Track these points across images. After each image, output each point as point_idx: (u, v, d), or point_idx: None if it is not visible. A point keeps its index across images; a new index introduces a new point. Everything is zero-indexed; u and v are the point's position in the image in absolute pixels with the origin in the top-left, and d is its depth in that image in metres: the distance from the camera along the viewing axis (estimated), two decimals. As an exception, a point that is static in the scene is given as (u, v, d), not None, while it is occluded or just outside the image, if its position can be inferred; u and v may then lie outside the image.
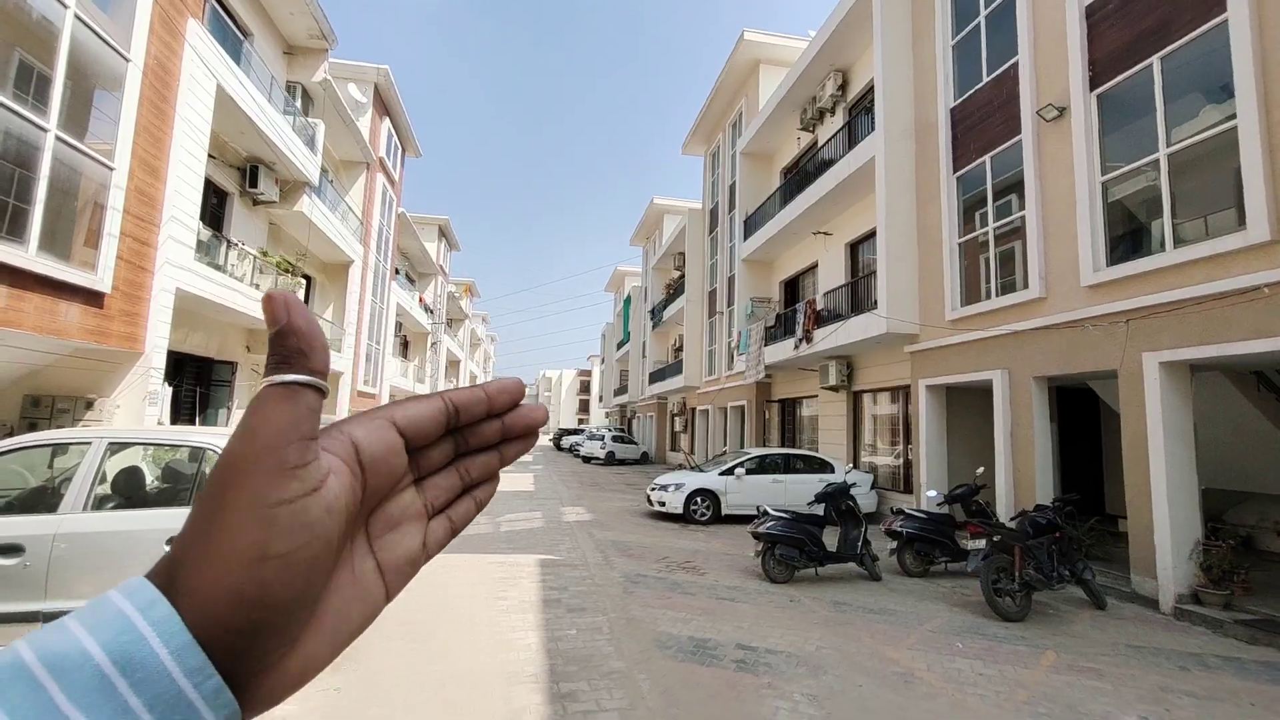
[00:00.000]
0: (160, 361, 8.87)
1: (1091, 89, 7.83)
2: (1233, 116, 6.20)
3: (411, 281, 30.66)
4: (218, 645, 0.27)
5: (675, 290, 27.43)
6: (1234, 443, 8.24)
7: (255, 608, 0.28)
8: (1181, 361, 6.59)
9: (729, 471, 11.80)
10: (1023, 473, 8.40)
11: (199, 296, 9.68)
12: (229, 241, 11.45)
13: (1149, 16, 7.19)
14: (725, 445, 20.13)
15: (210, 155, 10.42)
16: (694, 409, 24.83)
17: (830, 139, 13.98)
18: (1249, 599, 6.22)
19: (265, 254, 12.79)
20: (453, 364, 43.56)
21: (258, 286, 11.87)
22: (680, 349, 26.49)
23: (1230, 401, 7.82)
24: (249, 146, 11.98)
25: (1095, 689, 4.45)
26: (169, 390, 9.35)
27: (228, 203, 12.41)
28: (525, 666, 4.54)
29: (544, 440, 65.51)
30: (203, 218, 10.22)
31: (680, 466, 14.25)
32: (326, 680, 4.17)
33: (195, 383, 11.73)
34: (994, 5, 9.68)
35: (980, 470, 7.93)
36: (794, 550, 7.19)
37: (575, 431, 41.66)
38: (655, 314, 30.52)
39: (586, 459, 29.36)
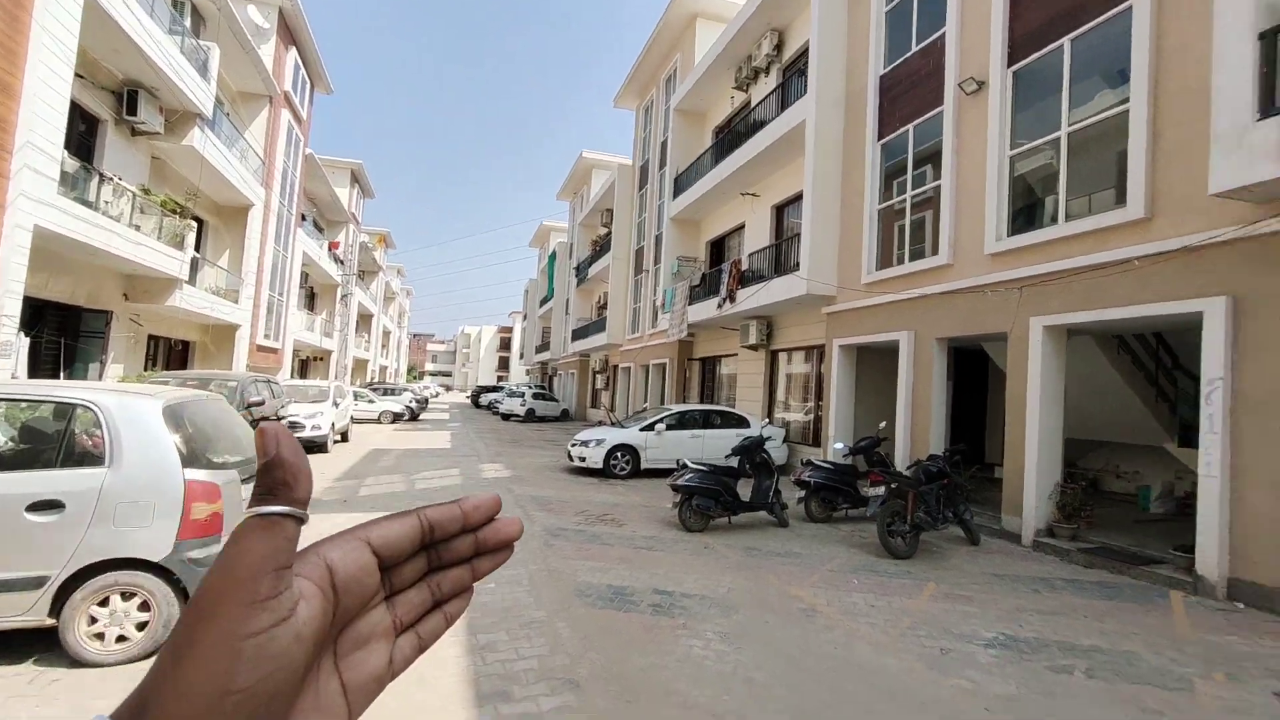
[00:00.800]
0: (14, 309, 7.85)
1: (1009, 65, 8.19)
2: (1126, 100, 6.69)
3: (320, 229, 28.59)
4: None
5: (602, 247, 27.12)
6: (1091, 398, 9.25)
7: None
8: (1062, 326, 7.26)
9: (649, 427, 12.03)
10: (920, 426, 9.09)
11: (64, 236, 8.58)
12: (102, 175, 10.13)
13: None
14: (646, 402, 20.47)
15: (78, 75, 9.10)
16: (616, 366, 25.00)
17: (764, 100, 14.02)
18: (1091, 531, 7.16)
19: (147, 191, 11.45)
20: (364, 318, 41.37)
21: (137, 228, 10.65)
22: (604, 306, 26.40)
23: (1092, 362, 8.74)
24: (126, 68, 10.53)
25: (965, 612, 4.98)
26: (25, 341, 8.33)
27: (100, 131, 10.95)
28: (441, 619, 4.51)
29: (461, 398, 64.19)
30: (69, 146, 8.98)
31: (601, 423, 14.41)
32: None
33: (59, 334, 10.50)
34: (925, -26, 9.87)
35: (883, 424, 8.51)
36: (710, 500, 7.49)
37: (494, 389, 40.95)
38: (580, 271, 30.14)
39: (506, 416, 29.04)
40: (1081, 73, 7.38)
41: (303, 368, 28.48)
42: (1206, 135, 5.63)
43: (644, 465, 11.87)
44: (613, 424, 13.39)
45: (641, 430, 12.03)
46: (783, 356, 13.99)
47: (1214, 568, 5.51)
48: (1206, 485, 5.60)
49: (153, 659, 0.33)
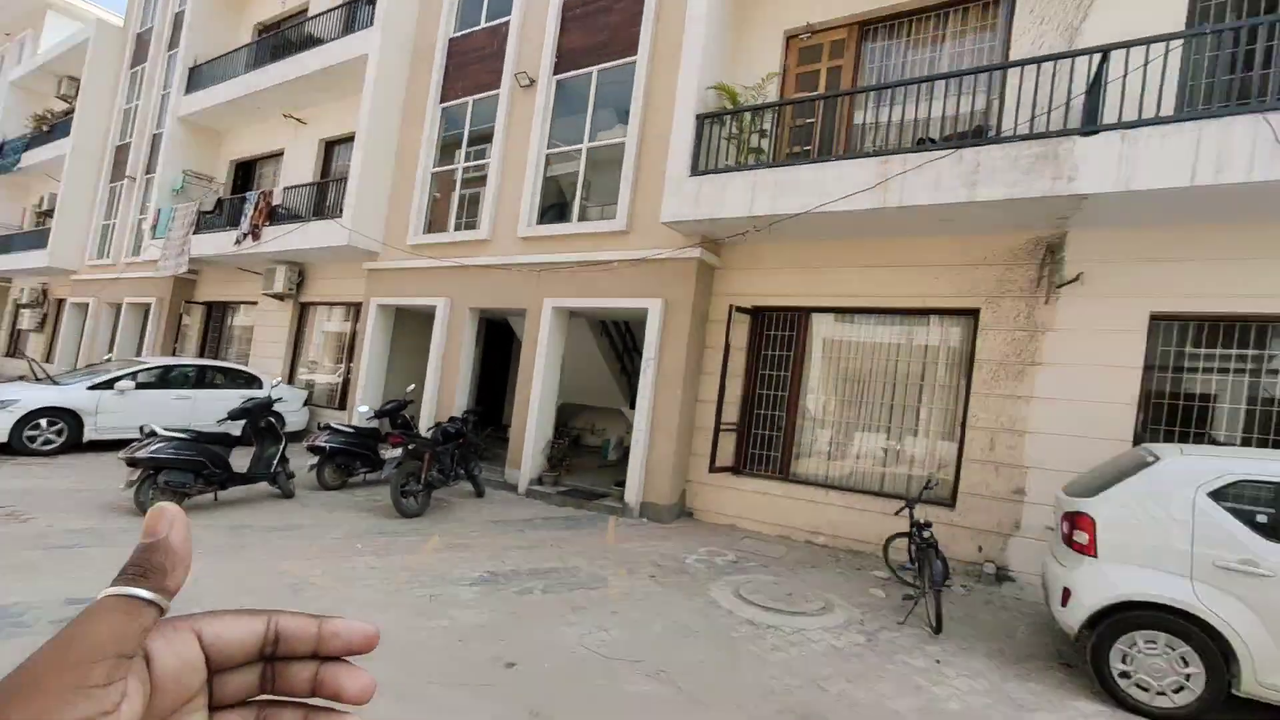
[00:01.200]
0: None
1: (555, 73, 9.17)
2: (625, 134, 8.36)
3: None
4: None
5: (55, 129, 18.90)
6: (581, 370, 11.44)
7: None
8: (566, 307, 8.64)
9: (107, 385, 8.94)
10: (447, 390, 9.46)
11: None
12: None
13: (598, 34, 8.85)
14: (112, 352, 15.28)
15: None
16: (63, 300, 17.93)
17: (326, 13, 12.05)
18: (569, 477, 8.78)
19: None
20: None
21: None
22: (49, 213, 18.56)
23: (585, 340, 10.83)
24: None
25: (461, 558, 5.38)
26: None
27: None
28: None
29: None
30: None
31: (24, 379, 9.98)
32: None
33: None
34: (501, -45, 10.15)
35: (411, 387, 8.48)
36: (188, 475, 5.99)
37: None
38: (7, 153, 20.33)
39: None
40: (603, 100, 8.87)
41: None
42: (661, 179, 7.52)
43: (91, 436, 8.72)
44: (40, 380, 9.43)
45: (92, 389, 8.80)
46: (315, 311, 12.46)
47: (635, 496, 7.48)
48: (638, 437, 7.57)
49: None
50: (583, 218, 8.75)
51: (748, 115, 7.04)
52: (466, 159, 10.10)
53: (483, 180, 9.90)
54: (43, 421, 8.30)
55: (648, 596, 4.84)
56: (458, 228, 9.97)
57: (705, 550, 6.23)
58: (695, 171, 6.96)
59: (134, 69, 17.33)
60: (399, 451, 6.58)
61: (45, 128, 19.51)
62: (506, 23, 9.84)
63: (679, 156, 7.03)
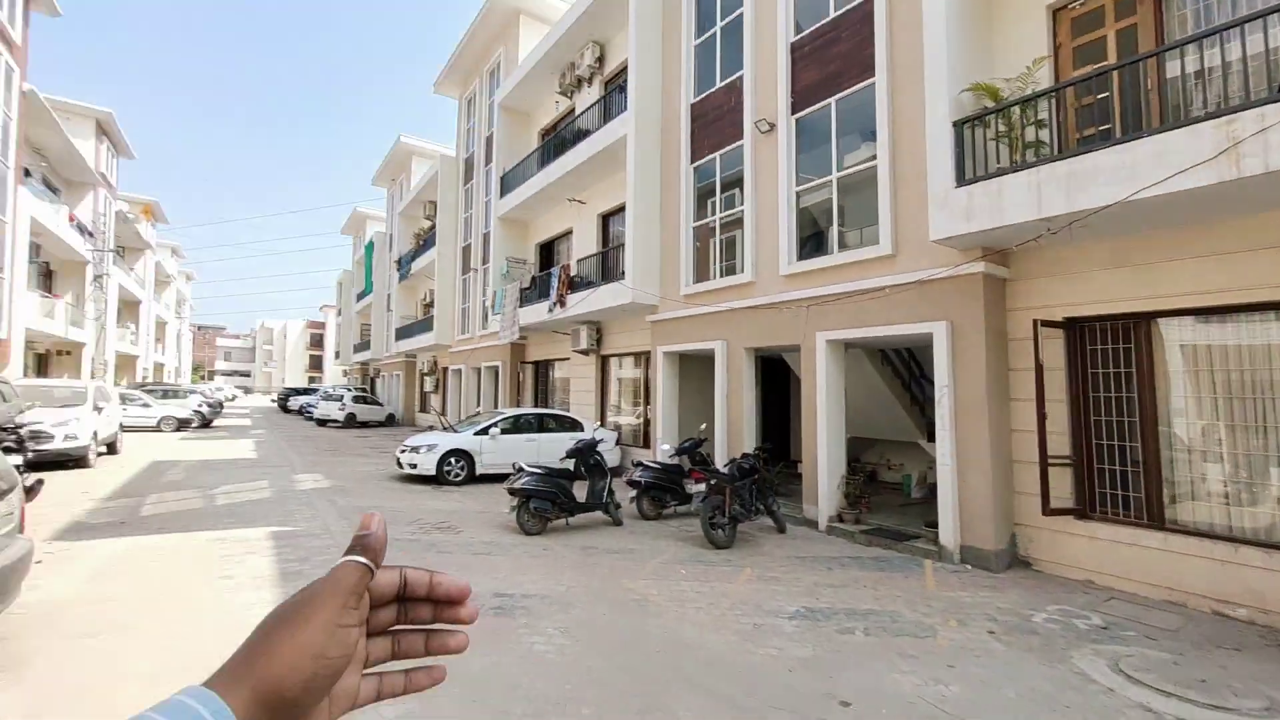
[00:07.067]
0: None
1: (792, 113, 9.55)
2: (875, 156, 8.26)
3: (54, 191, 23.09)
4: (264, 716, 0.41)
5: (426, 241, 25.76)
6: (866, 402, 11.22)
7: (305, 689, 0.43)
8: (839, 340, 8.74)
9: (484, 431, 11.92)
10: (735, 427, 10.25)
11: None
12: None
13: (830, 65, 9.00)
14: (479, 406, 20.01)
15: None
16: (446, 368, 24.00)
17: (588, 109, 14.50)
18: (870, 515, 8.67)
19: None
20: (129, 305, 34.37)
21: None
22: (431, 305, 25.14)
23: (866, 371, 10.63)
24: None
25: (775, 591, 5.88)
26: None
27: None
28: (267, 655, 4.20)
29: (265, 401, 56.30)
30: None
31: (432, 428, 13.84)
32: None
33: None
34: (728, 19, 11.00)
35: (703, 426, 9.46)
36: (547, 503, 7.75)
37: (306, 391, 36.71)
38: (403, 265, 28.30)
39: (321, 422, 26.32)
40: (845, 128, 8.88)
41: (41, 364, 22.97)
42: (924, 195, 7.16)
43: (479, 471, 11.73)
44: (445, 429, 12.96)
45: (476, 434, 11.85)
46: (613, 361, 14.66)
47: (951, 538, 6.92)
48: (943, 472, 7.12)
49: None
50: (842, 247, 8.82)
51: (1016, 109, 6.39)
52: (721, 209, 10.99)
53: (738, 226, 10.64)
54: (452, 459, 11.45)
55: (989, 654, 4.53)
56: (722, 274, 10.86)
57: (1056, 609, 5.51)
58: (962, 181, 6.56)
59: (466, 185, 22.80)
60: (702, 486, 7.45)
61: (421, 242, 26.69)
62: (740, 77, 10.52)
63: (940, 169, 6.72)
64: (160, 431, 20.37)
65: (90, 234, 24.28)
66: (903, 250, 7.85)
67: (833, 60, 8.95)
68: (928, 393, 10.86)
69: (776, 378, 13.80)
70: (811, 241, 9.52)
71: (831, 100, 8.92)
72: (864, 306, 8.23)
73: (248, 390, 79.60)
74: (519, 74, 17.37)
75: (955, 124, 6.64)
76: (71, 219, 22.99)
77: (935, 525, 7.22)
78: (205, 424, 23.55)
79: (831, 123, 8.94)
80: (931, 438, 7.77)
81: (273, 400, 51.33)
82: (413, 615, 0.53)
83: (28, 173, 19.00)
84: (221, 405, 29.93)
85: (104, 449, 13.29)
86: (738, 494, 7.46)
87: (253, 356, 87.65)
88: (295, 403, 35.01)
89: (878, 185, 8.13)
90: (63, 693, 3.58)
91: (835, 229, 8.89)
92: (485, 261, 19.97)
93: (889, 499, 10.23)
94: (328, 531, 7.38)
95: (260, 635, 0.44)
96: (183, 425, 21.24)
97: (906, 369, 11.16)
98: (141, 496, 9.29)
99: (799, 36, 9.52)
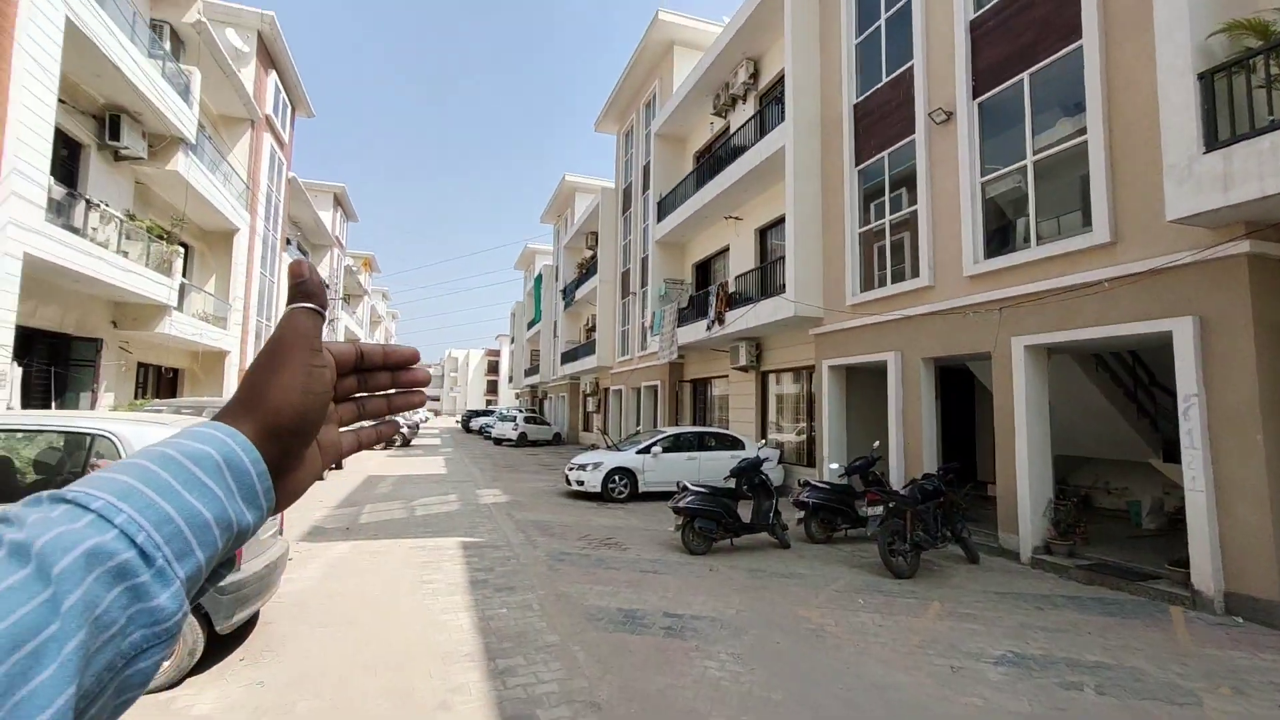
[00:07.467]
0: (6, 338, 7.75)
1: (974, 97, 8.62)
2: (1084, 131, 7.10)
3: (304, 254, 28.40)
4: (266, 454, 0.44)
5: (588, 270, 27.34)
6: (1075, 415, 9.57)
7: (300, 419, 0.47)
8: (1041, 345, 7.56)
9: (646, 450, 12.12)
10: (912, 445, 9.31)
11: (53, 263, 8.51)
12: (88, 201, 10.06)
13: (1021, 37, 8.01)
14: (639, 425, 20.54)
15: (60, 100, 9.09)
16: (607, 389, 25.06)
17: (742, 126, 14.44)
18: (1086, 547, 7.34)
19: (132, 217, 11.38)
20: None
21: (125, 254, 10.57)
22: (593, 329, 26.53)
23: (1074, 380, 9.06)
24: (108, 91, 10.53)
25: (971, 630, 5.12)
26: (19, 370, 8.20)
27: (83, 156, 10.90)
28: (459, 646, 4.54)
29: (451, 422, 63.50)
30: (53, 173, 8.93)
31: (594, 446, 14.43)
32: (247, 675, 3.96)
33: (49, 361, 10.32)
34: (893, 10, 10.34)
35: (876, 444, 8.70)
36: (712, 523, 7.57)
37: (484, 413, 40.63)
38: (567, 293, 30.29)
39: (498, 441, 28.83)
40: (1042, 105, 7.80)
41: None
42: (1158, 164, 6.00)
43: (641, 488, 11.94)
44: (608, 447, 13.44)
45: (638, 453, 12.11)
46: (773, 377, 14.21)
47: (1210, 582, 5.63)
48: (1193, 500, 5.77)
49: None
50: (1042, 239, 7.66)
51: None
52: (891, 211, 10.18)
53: (907, 227, 9.79)
54: (616, 477, 11.79)
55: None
56: (894, 279, 10.02)
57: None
58: (1213, 145, 5.36)
59: (624, 213, 23.84)
60: (879, 509, 6.80)
61: (583, 270, 28.41)
62: (910, 68, 9.79)
63: (1179, 133, 5.57)
64: (372, 450, 23.73)
65: (327, 286, 29.32)
66: (1126, 236, 6.62)
67: (1024, 30, 7.96)
68: (1161, 403, 9.02)
69: (957, 390, 12.38)
70: (998, 237, 8.44)
71: (1023, 75, 7.90)
72: (1073, 305, 7.05)
73: (437, 413, 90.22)
74: (673, 102, 17.90)
75: (1201, 75, 5.48)
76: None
77: (1183, 564, 5.95)
78: (406, 443, 26.93)
79: (1024, 101, 7.90)
80: (1169, 457, 6.39)
81: (457, 421, 57.48)
82: (372, 383, 0.57)
83: (288, 241, 23.58)
84: (418, 427, 34.06)
85: (333, 465, 15.68)
86: (920, 518, 6.71)
87: (441, 383, 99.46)
88: (476, 423, 38.74)
89: (1089, 164, 6.99)
90: (308, 672, 4.13)
91: (1030, 220, 7.78)
92: (644, 284, 20.63)
93: (1110, 529, 8.71)
94: (508, 544, 7.90)
95: (251, 382, 0.47)
96: (389, 444, 24.47)
97: (1130, 375, 9.33)
98: (360, 506, 10.76)
99: (980, 12, 8.63)
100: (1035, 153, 7.75)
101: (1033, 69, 7.81)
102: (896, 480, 9.13)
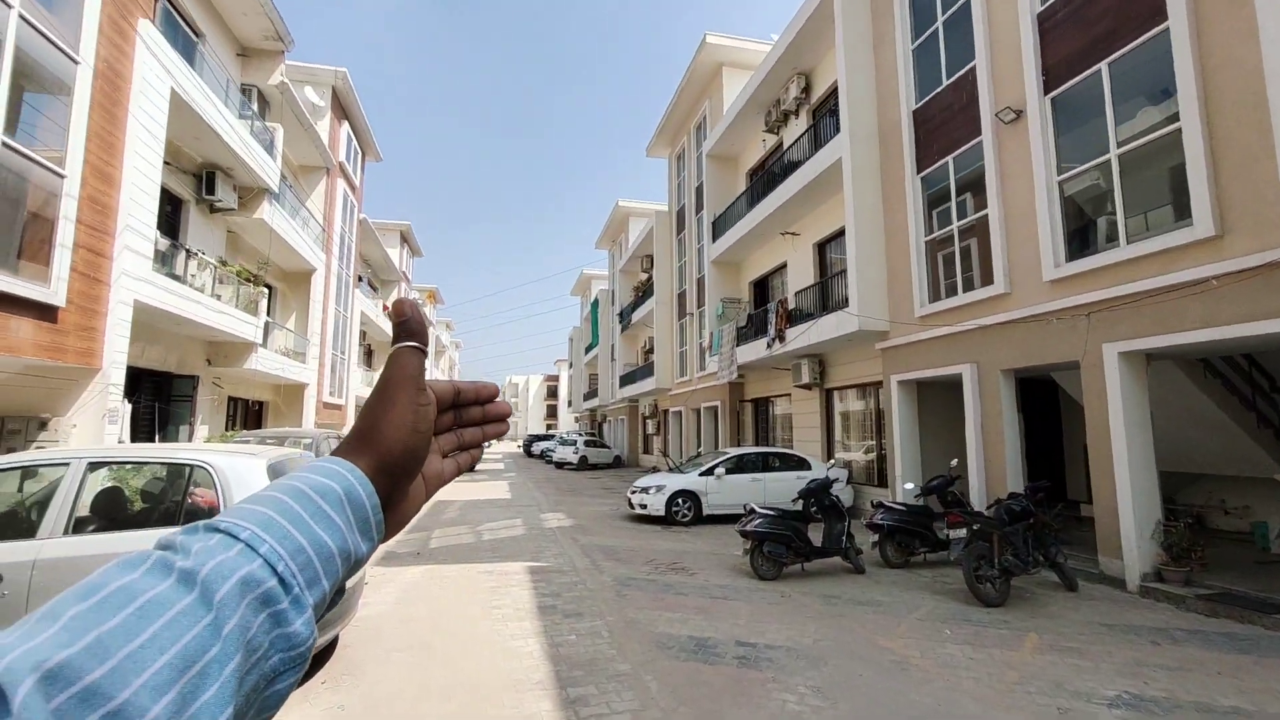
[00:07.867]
0: (120, 377, 8.47)
1: (1045, 93, 8.20)
2: (1175, 118, 6.59)
3: (374, 289, 29.95)
4: (379, 488, 0.47)
5: (644, 293, 27.51)
6: (1182, 427, 8.73)
7: (409, 455, 0.50)
8: (1138, 351, 6.97)
9: (709, 472, 11.91)
10: (993, 463, 8.73)
11: (158, 309, 9.27)
12: (188, 251, 10.99)
13: (1097, 25, 7.58)
14: (699, 446, 20.28)
15: (165, 161, 10.02)
16: (666, 411, 24.95)
17: (795, 141, 14.26)
18: (1205, 574, 6.62)
19: (225, 263, 12.33)
20: (418, 372, 42.70)
21: (219, 297, 11.44)
22: (650, 351, 26.58)
23: (1179, 388, 8.29)
24: (205, 152, 11.54)
25: (1077, 666, 4.67)
26: (128, 407, 8.93)
27: (183, 211, 11.93)
28: (530, 674, 4.51)
29: (513, 447, 64.85)
30: (159, 227, 9.81)
31: (655, 469, 14.31)
32: (328, 699, 4.06)
33: (153, 398, 11.21)
34: (951, 11, 10.04)
35: (954, 462, 8.20)
36: (782, 547, 7.31)
37: (545, 437, 41.27)
38: (624, 317, 30.55)
39: (559, 465, 29.16)
40: (1124, 94, 7.32)
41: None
42: (1270, 147, 5.47)
43: (706, 511, 11.71)
44: (670, 469, 13.31)
45: (701, 475, 11.91)
46: (837, 394, 13.75)
47: None
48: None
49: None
50: (1131, 237, 7.12)
51: None
52: (958, 217, 9.75)
53: (975, 232, 9.33)
54: (680, 499, 11.62)
55: None
56: (964, 288, 9.54)
57: None
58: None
59: (679, 235, 23.92)
60: (962, 532, 6.38)
61: (639, 294, 28.62)
62: (972, 68, 9.44)
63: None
64: (443, 474, 24.48)
65: (430, 324, 30.83)
66: (1233, 228, 6.06)
67: (1100, 18, 7.54)
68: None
69: (1040, 402, 11.58)
70: (1079, 238, 7.91)
71: (1101, 65, 7.46)
72: (1174, 307, 6.49)
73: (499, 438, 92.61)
74: (724, 123, 17.94)
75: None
76: (385, 309, 29.54)
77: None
78: (470, 468, 27.65)
79: (1103, 92, 7.44)
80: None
81: (518, 446, 58.59)
82: (466, 417, 0.61)
83: (360, 278, 24.97)
84: (483, 451, 34.98)
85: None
86: (1009, 541, 6.22)
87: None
88: (537, 448, 39.38)
89: (1183, 153, 6.46)
90: (386, 697, 4.20)
91: (1119, 218, 7.25)
92: (700, 305, 20.54)
93: (1231, 553, 7.88)
94: (574, 569, 7.88)
95: (365, 418, 0.50)
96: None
97: (1247, 382, 8.46)
98: (429, 530, 11.03)
99: (1047, 5, 8.24)
100: (1119, 146, 7.26)
101: (1111, 58, 7.36)
102: (978, 500, 8.57)
